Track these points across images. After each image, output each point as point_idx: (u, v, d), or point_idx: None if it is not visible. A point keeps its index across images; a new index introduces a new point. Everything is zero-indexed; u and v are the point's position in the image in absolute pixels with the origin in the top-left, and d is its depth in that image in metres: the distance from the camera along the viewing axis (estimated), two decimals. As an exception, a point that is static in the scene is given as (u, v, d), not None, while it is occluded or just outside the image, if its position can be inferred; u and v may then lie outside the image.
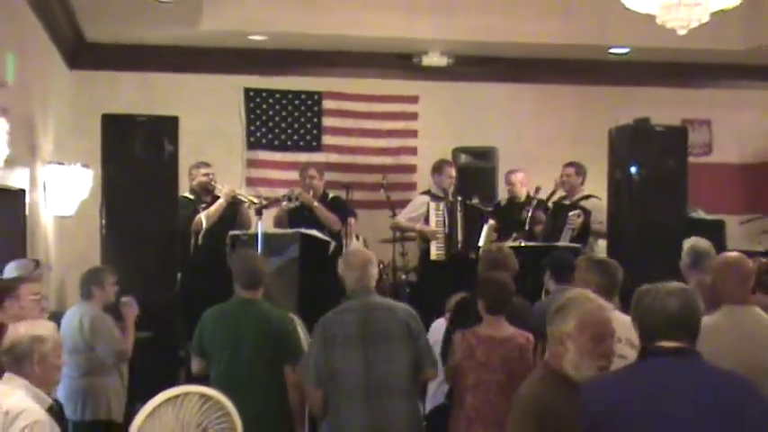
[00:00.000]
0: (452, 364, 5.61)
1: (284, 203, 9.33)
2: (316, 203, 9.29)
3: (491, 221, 9.41)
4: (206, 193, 9.20)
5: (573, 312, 3.77)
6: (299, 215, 9.23)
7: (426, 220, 9.56)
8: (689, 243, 6.60)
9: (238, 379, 5.64)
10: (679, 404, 3.41)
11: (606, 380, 3.67)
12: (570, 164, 9.82)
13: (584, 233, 9.33)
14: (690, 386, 3.46)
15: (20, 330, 4.26)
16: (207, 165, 9.33)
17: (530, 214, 9.45)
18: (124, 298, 6.82)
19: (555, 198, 9.75)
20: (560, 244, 8.90)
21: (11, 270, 6.39)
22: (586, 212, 9.35)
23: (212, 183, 9.20)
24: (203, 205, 9.10)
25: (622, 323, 4.26)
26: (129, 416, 4.91)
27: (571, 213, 9.32)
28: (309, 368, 5.42)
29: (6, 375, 4.19)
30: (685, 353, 3.51)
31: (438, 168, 9.81)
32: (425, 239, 9.57)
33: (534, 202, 9.58)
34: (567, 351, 3.74)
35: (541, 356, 5.40)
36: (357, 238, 9.97)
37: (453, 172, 9.78)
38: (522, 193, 10.06)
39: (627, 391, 3.50)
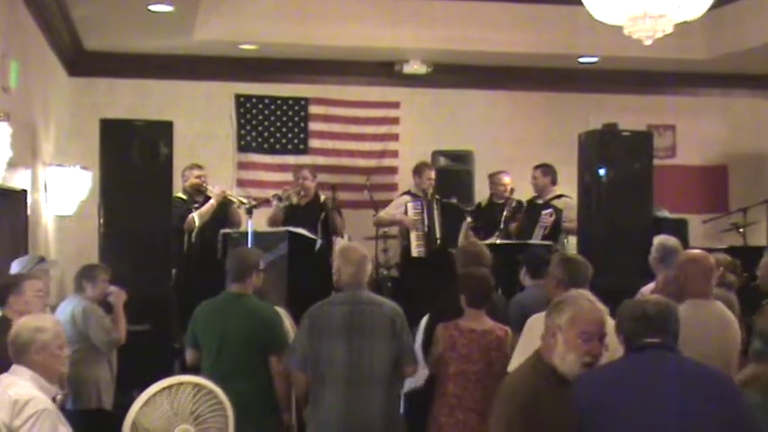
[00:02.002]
0: (435, 355, 5.62)
1: (274, 203, 9.35)
2: (332, 206, 9.49)
3: (468, 219, 9.43)
4: (198, 193, 9.19)
5: (568, 308, 3.78)
6: (292, 214, 9.25)
7: (406, 218, 9.61)
8: (658, 239, 6.62)
9: (227, 369, 5.62)
10: (661, 385, 3.53)
11: (595, 373, 3.73)
12: (538, 166, 9.82)
13: (555, 231, 9.36)
14: (670, 371, 3.58)
15: (21, 323, 4.26)
16: (199, 167, 9.32)
17: (505, 214, 9.48)
18: (111, 287, 6.73)
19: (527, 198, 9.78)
20: (534, 242, 8.92)
21: (15, 266, 6.36)
22: (558, 211, 9.37)
23: (204, 184, 9.19)
24: (196, 205, 9.10)
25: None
26: (125, 404, 4.89)
27: (544, 212, 9.34)
28: (295, 353, 5.43)
29: (13, 367, 4.17)
30: (665, 346, 3.59)
31: (418, 170, 9.83)
32: (406, 236, 9.58)
33: (514, 203, 9.62)
34: (557, 343, 3.75)
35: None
36: (342, 236, 9.98)
37: (432, 174, 9.80)
38: (506, 194, 10.03)
39: (616, 381, 3.62)
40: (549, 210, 9.35)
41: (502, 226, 9.49)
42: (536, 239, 9.11)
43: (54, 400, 4.21)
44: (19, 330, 4.20)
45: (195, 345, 5.94)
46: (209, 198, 9.09)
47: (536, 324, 4.91)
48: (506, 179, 10.04)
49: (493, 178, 10.15)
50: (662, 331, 3.63)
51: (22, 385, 4.07)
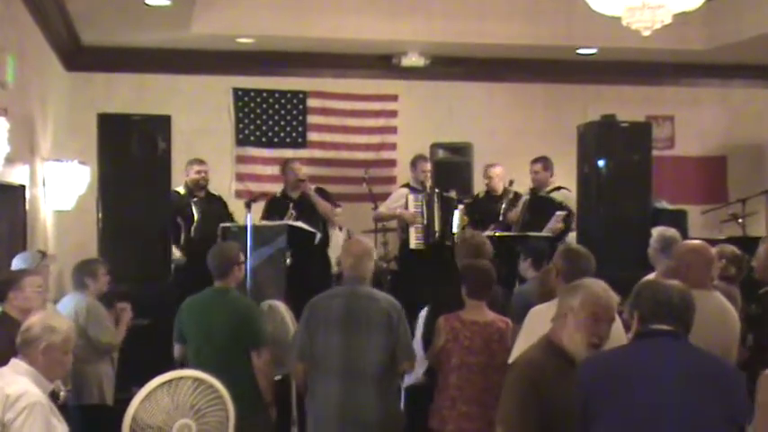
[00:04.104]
0: (437, 347, 5.62)
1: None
2: (312, 192, 9.34)
3: (460, 206, 9.43)
4: (198, 188, 9.20)
5: (581, 291, 3.83)
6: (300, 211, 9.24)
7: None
8: (658, 231, 6.61)
9: (210, 364, 5.56)
10: (664, 374, 3.52)
11: (601, 356, 3.75)
12: (537, 160, 9.74)
13: (563, 233, 9.29)
14: (675, 360, 3.57)
15: (36, 318, 4.26)
16: (201, 162, 9.32)
17: (504, 206, 9.46)
18: (120, 304, 6.78)
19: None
20: (533, 234, 8.87)
21: (18, 262, 6.35)
22: (569, 211, 9.23)
23: (203, 180, 9.21)
24: (195, 200, 9.11)
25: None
26: (124, 399, 4.89)
27: (558, 213, 9.22)
28: (294, 344, 5.48)
29: (13, 360, 4.18)
30: (676, 335, 3.59)
31: (413, 163, 9.87)
32: (405, 229, 9.58)
33: (512, 195, 9.60)
34: (566, 323, 3.78)
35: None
36: (340, 229, 9.98)
37: (428, 166, 9.81)
38: (499, 186, 9.99)
39: (620, 365, 3.62)
40: (565, 212, 9.23)
41: (501, 218, 9.47)
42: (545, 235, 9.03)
43: (58, 397, 4.21)
44: (32, 325, 4.20)
45: (181, 340, 6.03)
46: (210, 193, 9.12)
47: (537, 315, 4.93)
48: (492, 172, 10.01)
49: (484, 171, 10.19)
50: (679, 320, 3.62)
51: (16, 380, 4.08)
